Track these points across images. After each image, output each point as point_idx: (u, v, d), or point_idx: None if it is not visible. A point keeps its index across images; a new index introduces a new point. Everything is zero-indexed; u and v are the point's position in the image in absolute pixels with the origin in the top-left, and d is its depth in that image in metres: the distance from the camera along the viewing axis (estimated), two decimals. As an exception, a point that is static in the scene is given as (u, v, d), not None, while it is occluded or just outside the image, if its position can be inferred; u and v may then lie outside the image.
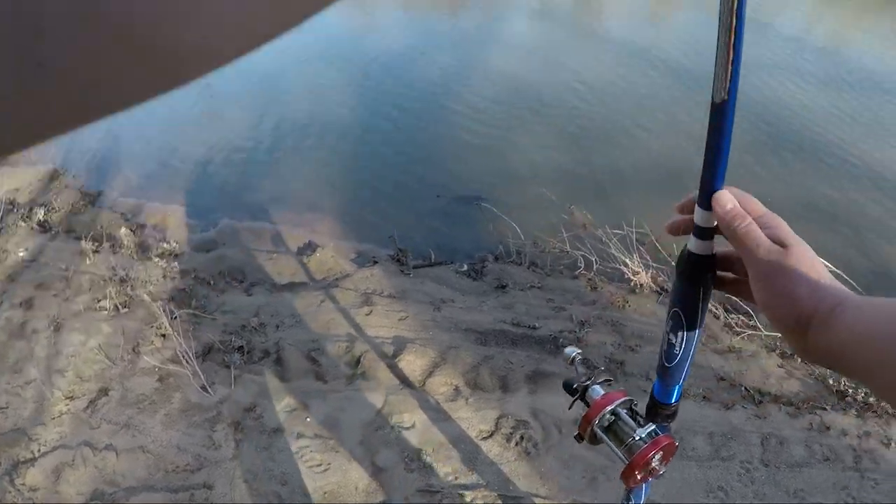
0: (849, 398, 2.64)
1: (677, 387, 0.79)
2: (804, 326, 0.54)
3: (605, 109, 5.22)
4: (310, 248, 3.76)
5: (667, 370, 0.75)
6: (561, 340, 2.86)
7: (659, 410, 0.80)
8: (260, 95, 5.91)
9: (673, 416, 0.81)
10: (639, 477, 0.78)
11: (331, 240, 3.85)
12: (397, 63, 6.38)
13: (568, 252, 3.53)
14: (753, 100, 5.35)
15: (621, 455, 0.79)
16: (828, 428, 2.49)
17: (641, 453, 0.77)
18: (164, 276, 3.32)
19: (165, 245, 3.62)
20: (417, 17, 8.19)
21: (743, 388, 2.67)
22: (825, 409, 2.58)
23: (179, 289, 3.19)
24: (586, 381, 0.87)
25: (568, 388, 0.87)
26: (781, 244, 0.56)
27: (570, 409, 0.91)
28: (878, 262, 3.67)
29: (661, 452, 0.77)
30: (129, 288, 3.13)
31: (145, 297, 3.03)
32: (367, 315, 2.98)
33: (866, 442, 2.44)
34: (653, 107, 5.25)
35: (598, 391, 0.85)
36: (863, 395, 2.64)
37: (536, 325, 2.98)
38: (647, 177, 4.24)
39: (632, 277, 3.37)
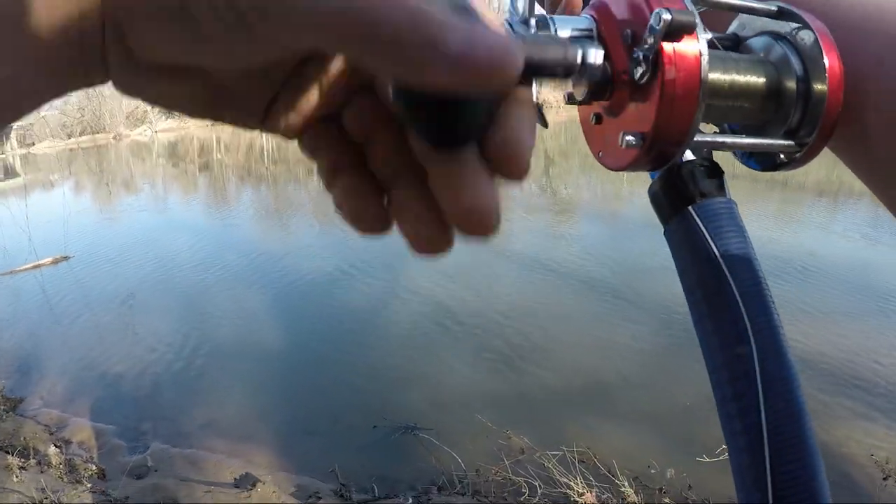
0: None
1: None
2: None
3: (527, 327, 5.45)
4: (248, 480, 3.55)
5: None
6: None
7: None
8: (185, 312, 6.03)
9: None
10: None
11: (269, 472, 3.66)
12: (319, 286, 6.68)
13: (511, 479, 3.49)
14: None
15: None
16: None
17: None
18: (98, 505, 3.03)
19: (94, 467, 3.36)
20: (335, 238, 8.47)
21: None
22: None
23: (117, 520, 2.89)
24: None
25: None
26: None
27: None
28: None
29: None
30: (61, 515, 2.83)
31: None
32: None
33: None
34: (572, 320, 5.60)
35: None
36: None
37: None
38: (577, 393, 4.40)
39: (577, 500, 3.35)
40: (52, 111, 30.32)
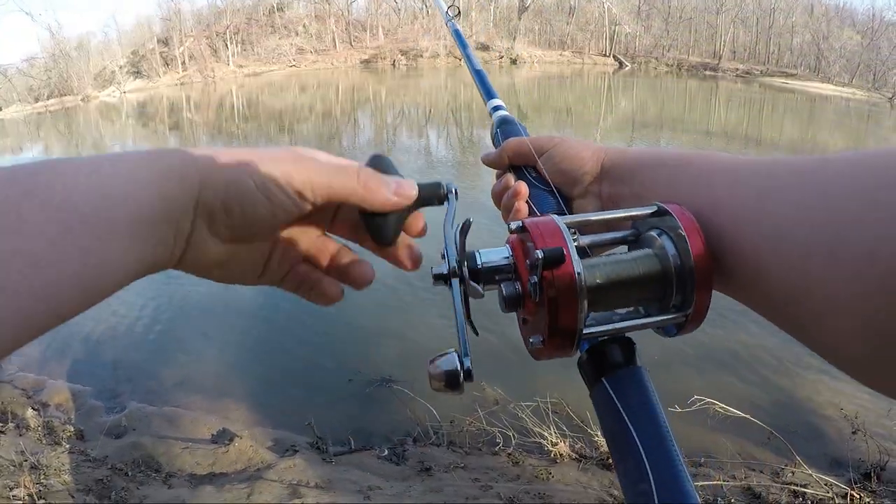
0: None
1: None
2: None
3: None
4: (226, 435, 3.56)
5: None
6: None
7: None
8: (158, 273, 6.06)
9: None
10: None
11: (245, 427, 3.68)
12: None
13: (486, 429, 3.54)
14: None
15: None
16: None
17: None
18: (77, 465, 3.04)
19: (72, 428, 3.38)
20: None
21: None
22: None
23: (96, 479, 2.90)
24: None
25: None
26: None
27: None
28: (782, 398, 3.98)
29: None
30: (41, 476, 2.83)
31: (62, 488, 2.71)
32: (296, 509, 2.80)
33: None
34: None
35: None
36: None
37: (471, 505, 2.92)
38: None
39: (551, 449, 3.41)
40: (18, 74, 29.31)
